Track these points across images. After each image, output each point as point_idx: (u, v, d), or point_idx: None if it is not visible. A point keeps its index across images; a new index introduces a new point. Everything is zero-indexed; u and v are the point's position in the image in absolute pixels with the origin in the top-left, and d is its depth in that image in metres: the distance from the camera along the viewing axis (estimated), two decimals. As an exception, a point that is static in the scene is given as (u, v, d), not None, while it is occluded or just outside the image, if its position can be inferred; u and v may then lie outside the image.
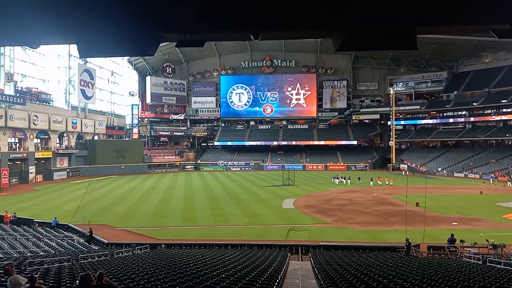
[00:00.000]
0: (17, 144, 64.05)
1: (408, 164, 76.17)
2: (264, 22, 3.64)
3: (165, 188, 53.24)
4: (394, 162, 78.69)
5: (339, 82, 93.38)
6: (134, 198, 44.20)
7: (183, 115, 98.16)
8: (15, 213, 31.30)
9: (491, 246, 20.63)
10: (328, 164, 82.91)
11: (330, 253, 20.65)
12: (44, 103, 69.15)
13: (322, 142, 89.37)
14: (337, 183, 56.24)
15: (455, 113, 79.49)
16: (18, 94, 61.59)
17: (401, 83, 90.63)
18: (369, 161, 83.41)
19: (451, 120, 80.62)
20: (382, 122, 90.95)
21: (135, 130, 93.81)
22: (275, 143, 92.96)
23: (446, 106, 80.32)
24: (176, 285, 9.84)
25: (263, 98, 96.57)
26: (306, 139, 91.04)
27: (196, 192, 48.69)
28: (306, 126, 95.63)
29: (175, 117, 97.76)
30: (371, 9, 3.30)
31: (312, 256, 19.53)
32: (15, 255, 19.77)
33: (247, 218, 32.47)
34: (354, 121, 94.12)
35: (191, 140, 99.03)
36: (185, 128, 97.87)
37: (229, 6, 3.45)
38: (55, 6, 3.36)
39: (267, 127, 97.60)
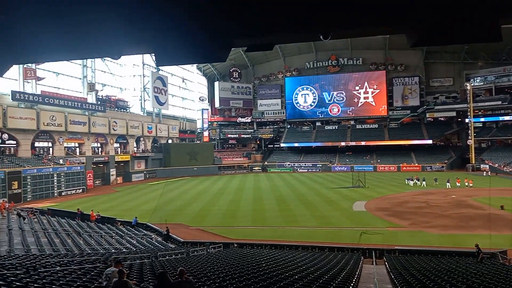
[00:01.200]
0: (99, 149, 69.58)
1: (490, 164, 70.42)
2: (334, 22, 3.63)
3: (234, 189, 54.49)
4: (473, 162, 73.19)
5: (410, 78, 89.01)
6: (206, 199, 45.80)
7: (250, 117, 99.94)
8: (99, 213, 33.95)
9: None
10: (401, 165, 79.28)
11: (406, 258, 19.75)
12: (122, 110, 74.45)
13: (394, 142, 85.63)
14: (412, 185, 53.56)
15: (545, 108, 71.95)
16: (99, 102, 67.16)
17: (479, 78, 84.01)
18: (446, 161, 78.36)
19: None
20: (459, 119, 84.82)
21: (206, 133, 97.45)
22: (343, 143, 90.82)
23: (534, 100, 73.07)
24: (250, 285, 10.02)
25: (329, 98, 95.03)
26: (376, 139, 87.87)
27: (264, 193, 49.22)
28: (376, 126, 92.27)
29: (242, 120, 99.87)
30: (449, 1, 3.14)
31: (387, 261, 18.82)
32: (101, 251, 21.45)
33: (317, 220, 32.14)
34: (428, 119, 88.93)
35: (258, 142, 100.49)
36: (252, 130, 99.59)
37: (299, 9, 3.49)
38: (135, 20, 3.65)
39: (334, 128, 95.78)
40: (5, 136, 49.71)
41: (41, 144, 58.32)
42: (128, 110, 76.92)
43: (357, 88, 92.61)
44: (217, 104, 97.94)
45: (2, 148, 51.46)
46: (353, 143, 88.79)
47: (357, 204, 38.84)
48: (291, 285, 10.27)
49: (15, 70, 52.53)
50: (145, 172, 75.92)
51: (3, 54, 4.30)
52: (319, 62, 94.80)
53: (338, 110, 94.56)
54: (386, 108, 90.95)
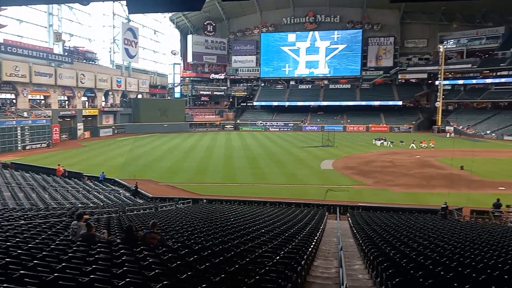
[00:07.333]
0: (66, 102, 67.17)
1: (454, 126, 72.79)
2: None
3: (206, 147, 54.37)
4: (440, 124, 75.58)
5: (385, 39, 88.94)
6: (176, 155, 45.58)
7: (223, 74, 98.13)
8: (65, 167, 33.18)
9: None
10: (369, 125, 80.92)
11: (369, 214, 20.56)
12: (90, 62, 71.46)
13: (364, 103, 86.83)
14: (379, 145, 55.04)
15: (511, 72, 74.04)
16: (66, 53, 64.05)
17: (452, 40, 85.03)
18: (414, 122, 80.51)
19: (504, 79, 75.29)
20: (430, 81, 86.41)
21: (177, 89, 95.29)
22: (315, 103, 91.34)
23: (501, 64, 74.83)
24: (218, 238, 10.20)
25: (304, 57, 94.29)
26: (347, 99, 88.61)
27: (235, 151, 49.43)
28: (349, 86, 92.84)
29: (216, 76, 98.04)
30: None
31: (350, 216, 19.55)
32: (67, 205, 21.14)
33: (286, 177, 32.78)
34: (400, 80, 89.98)
35: (231, 100, 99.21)
36: (225, 87, 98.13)
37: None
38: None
39: (307, 87, 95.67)
40: (-37, 85, 47.12)
41: (3, 95, 55.63)
42: (96, 63, 73.81)
43: (332, 47, 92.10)
44: (189, 59, 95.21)
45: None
46: (326, 103, 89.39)
47: (325, 163, 39.74)
48: (258, 238, 10.50)
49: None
50: (113, 127, 74.30)
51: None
52: (296, 18, 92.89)
53: (313, 69, 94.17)
54: (359, 68, 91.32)
